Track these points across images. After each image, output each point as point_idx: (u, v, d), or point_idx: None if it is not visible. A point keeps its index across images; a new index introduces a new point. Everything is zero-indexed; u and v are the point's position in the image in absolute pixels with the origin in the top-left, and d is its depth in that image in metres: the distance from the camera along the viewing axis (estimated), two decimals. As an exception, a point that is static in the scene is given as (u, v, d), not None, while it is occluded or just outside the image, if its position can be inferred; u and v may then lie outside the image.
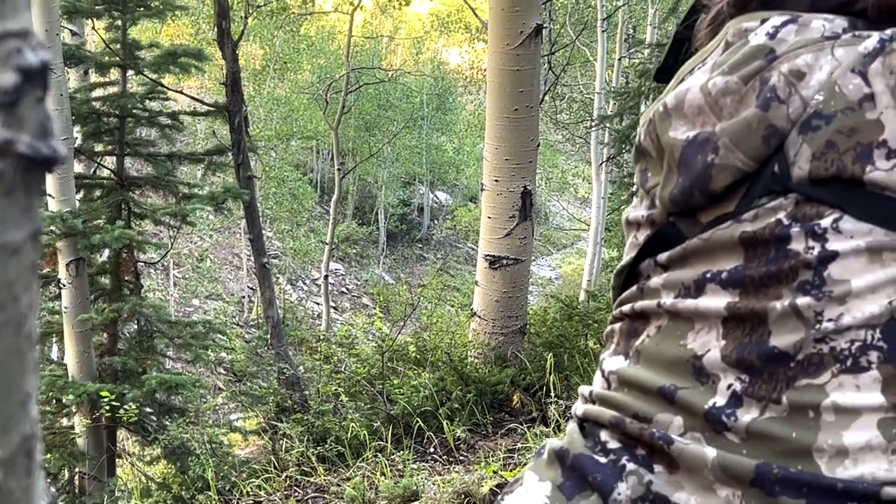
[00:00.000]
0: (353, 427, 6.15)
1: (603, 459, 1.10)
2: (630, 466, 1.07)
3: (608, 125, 15.43)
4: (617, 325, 1.19)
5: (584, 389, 1.21)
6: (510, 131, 6.62)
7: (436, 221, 37.47)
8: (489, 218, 6.81)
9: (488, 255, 6.81)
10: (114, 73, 9.32)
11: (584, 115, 20.98)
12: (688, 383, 1.06)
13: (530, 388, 6.57)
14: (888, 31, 0.99)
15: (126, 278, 9.03)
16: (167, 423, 8.54)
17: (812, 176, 1.00)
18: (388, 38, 37.30)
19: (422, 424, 6.05)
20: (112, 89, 9.32)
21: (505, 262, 6.76)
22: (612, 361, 1.17)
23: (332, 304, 24.41)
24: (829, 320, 0.97)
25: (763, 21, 1.09)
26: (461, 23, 37.35)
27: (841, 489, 0.93)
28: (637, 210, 1.19)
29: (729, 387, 1.02)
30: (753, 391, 1.01)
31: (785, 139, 1.02)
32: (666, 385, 1.07)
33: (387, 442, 5.89)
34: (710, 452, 1.00)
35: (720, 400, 1.02)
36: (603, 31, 16.13)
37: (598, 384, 1.19)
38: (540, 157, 8.34)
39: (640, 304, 1.15)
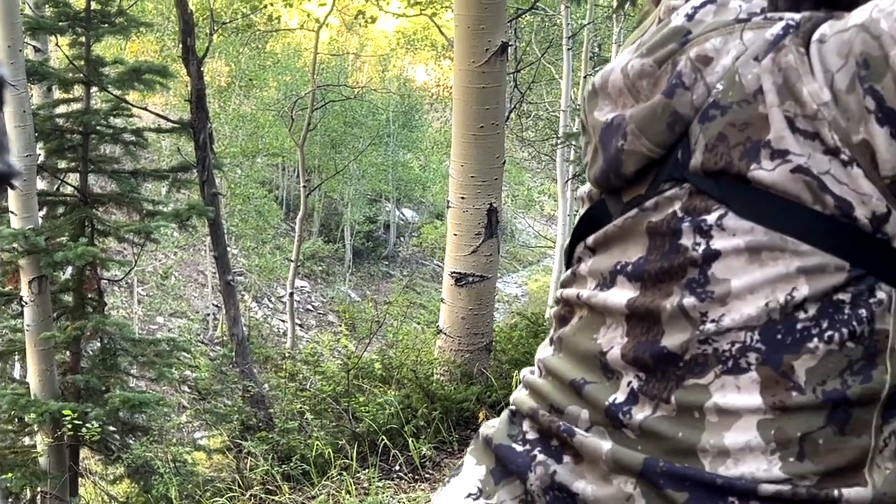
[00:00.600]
0: (318, 445, 6.12)
1: (519, 448, 1.13)
2: (539, 457, 1.10)
3: (574, 143, 15.48)
4: (554, 310, 1.22)
5: (523, 372, 1.24)
6: (476, 149, 6.63)
7: (402, 239, 37.43)
8: (455, 235, 6.81)
9: (454, 273, 6.81)
10: (77, 90, 9.26)
11: (550, 132, 21.04)
12: (596, 378, 1.08)
13: (496, 405, 6.57)
14: (797, 16, 0.98)
15: (89, 296, 8.95)
16: (130, 441, 8.46)
17: (704, 167, 1.00)
18: (355, 56, 37.30)
19: (387, 442, 6.03)
20: (76, 106, 9.27)
21: (471, 279, 6.76)
22: (543, 349, 1.21)
23: (297, 321, 24.31)
24: (712, 321, 0.98)
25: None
26: (427, 40, 37.41)
27: (720, 485, 0.96)
28: (584, 185, 1.21)
29: (629, 384, 1.05)
30: (648, 389, 1.03)
31: (689, 126, 1.01)
32: (577, 378, 1.10)
33: (352, 460, 5.87)
34: (606, 445, 1.04)
35: (620, 396, 1.05)
36: (568, 50, 16.20)
37: (534, 370, 1.22)
38: (506, 174, 8.37)
39: (567, 293, 1.18)
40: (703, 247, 0.99)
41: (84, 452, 9.13)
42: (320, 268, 32.48)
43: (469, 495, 1.16)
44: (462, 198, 6.72)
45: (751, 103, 0.97)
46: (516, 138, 22.88)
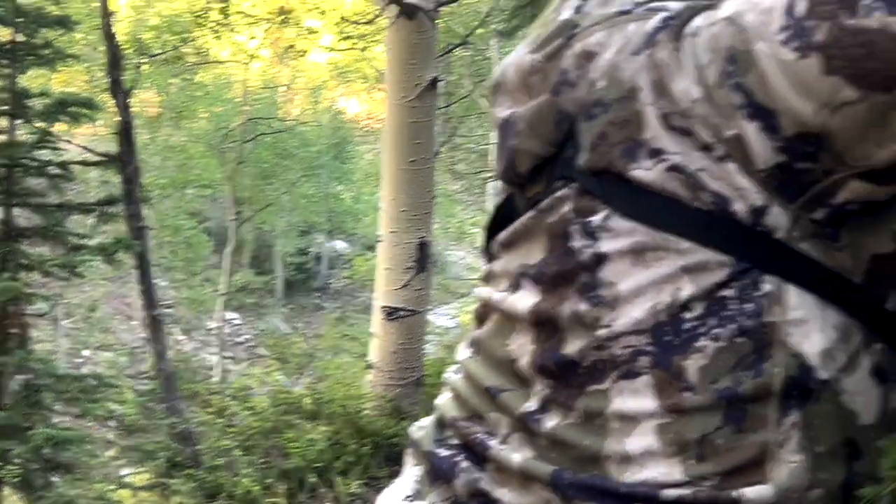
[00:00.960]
0: (245, 483, 6.05)
1: (444, 453, 1.12)
2: (463, 464, 1.09)
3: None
4: (474, 308, 1.20)
5: (447, 373, 1.22)
6: (407, 183, 6.64)
7: (334, 270, 37.28)
8: (386, 269, 6.80)
9: (385, 307, 6.79)
10: (2, 122, 9.13)
11: (481, 165, 21.15)
12: (511, 385, 1.07)
13: (427, 440, 6.54)
14: (678, 5, 0.96)
15: (13, 331, 8.79)
16: (54, 479, 8.29)
17: (589, 166, 0.99)
18: (286, 87, 37.19)
19: (316, 479, 5.97)
20: (0, 138, 9.13)
21: (402, 313, 6.75)
22: (463, 350, 1.19)
23: (227, 354, 24.06)
24: (605, 326, 0.97)
25: None
26: (359, 72, 37.44)
27: (624, 493, 0.95)
28: None
29: (539, 392, 1.03)
30: (556, 397, 1.02)
31: (574, 123, 1.00)
32: (493, 386, 1.08)
33: (280, 498, 5.80)
34: (516, 458, 1.02)
35: (533, 405, 1.03)
36: (499, 84, 16.32)
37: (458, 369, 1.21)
38: (438, 207, 8.38)
39: (482, 293, 1.16)
40: (591, 249, 0.98)
41: (5, 491, 8.93)
42: (251, 300, 32.21)
43: (406, 497, 1.15)
44: (393, 232, 6.72)
45: (629, 100, 0.95)
46: (448, 171, 22.97)
